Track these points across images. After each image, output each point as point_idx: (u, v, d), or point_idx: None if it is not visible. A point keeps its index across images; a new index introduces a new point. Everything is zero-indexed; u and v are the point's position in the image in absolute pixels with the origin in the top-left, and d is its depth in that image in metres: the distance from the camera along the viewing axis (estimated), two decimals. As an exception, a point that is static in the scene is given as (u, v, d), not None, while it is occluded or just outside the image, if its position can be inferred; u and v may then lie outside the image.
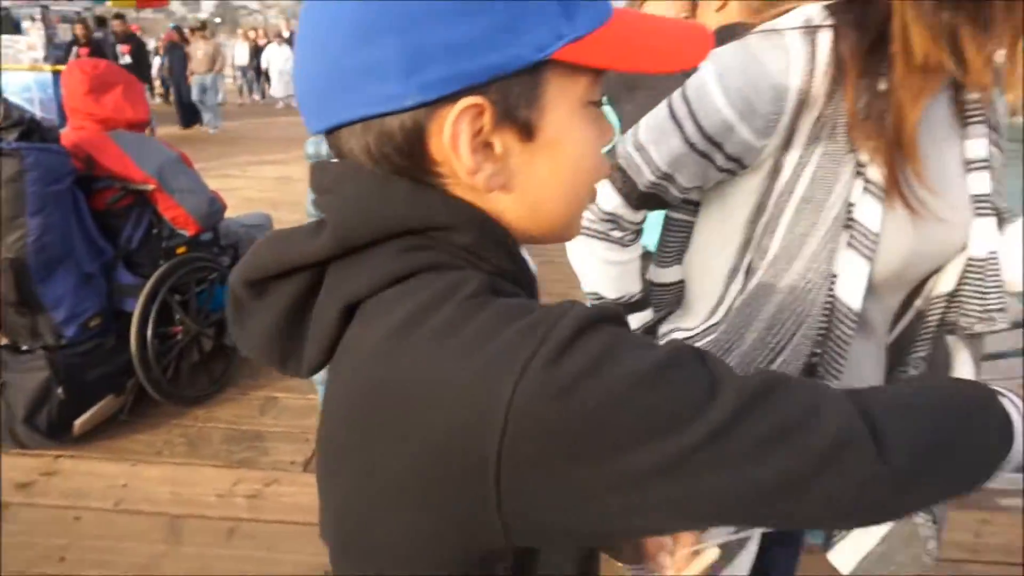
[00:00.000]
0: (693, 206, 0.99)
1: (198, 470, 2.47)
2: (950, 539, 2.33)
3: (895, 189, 0.79)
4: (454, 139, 0.45)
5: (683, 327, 1.01)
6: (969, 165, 0.87)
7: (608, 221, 0.96)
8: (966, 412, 0.55)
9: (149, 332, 2.65)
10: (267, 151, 8.63)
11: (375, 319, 0.47)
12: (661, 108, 0.87)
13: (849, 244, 0.81)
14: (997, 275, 0.88)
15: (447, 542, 0.45)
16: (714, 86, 0.80)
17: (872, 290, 0.85)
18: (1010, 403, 0.58)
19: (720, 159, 0.84)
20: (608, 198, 0.94)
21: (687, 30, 0.52)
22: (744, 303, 0.89)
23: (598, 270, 1.00)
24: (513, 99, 0.46)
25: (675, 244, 1.02)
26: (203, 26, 11.88)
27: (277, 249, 0.51)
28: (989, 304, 0.88)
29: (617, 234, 0.97)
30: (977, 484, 0.56)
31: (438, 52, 0.43)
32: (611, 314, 0.45)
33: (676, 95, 0.85)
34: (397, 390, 0.44)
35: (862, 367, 0.92)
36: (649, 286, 1.07)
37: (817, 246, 0.82)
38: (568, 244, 0.95)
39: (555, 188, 0.51)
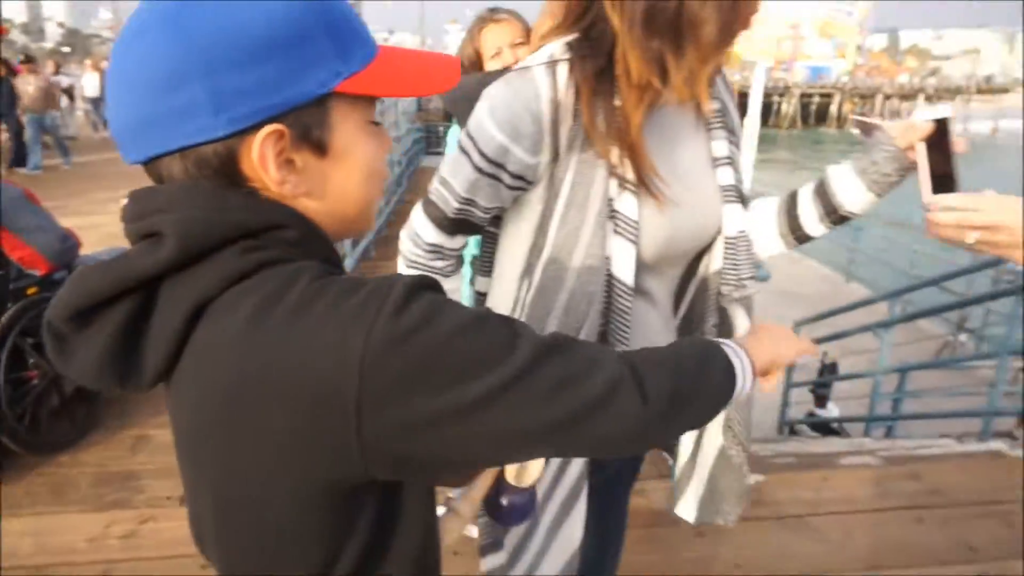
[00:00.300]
0: (500, 222, 1.14)
1: (65, 517, 2.37)
2: (794, 496, 2.59)
3: (641, 183, 0.97)
4: (262, 159, 0.55)
5: None
6: (715, 161, 1.08)
7: (432, 252, 1.10)
8: (701, 362, 0.72)
9: (0, 378, 2.52)
10: (127, 184, 8.18)
11: (224, 316, 0.54)
12: (456, 147, 1.03)
13: (615, 231, 0.98)
14: (748, 249, 1.09)
15: (318, 482, 0.54)
16: (487, 118, 0.97)
17: (646, 268, 1.03)
18: (732, 352, 0.76)
19: (507, 178, 1.00)
20: (427, 231, 1.09)
21: (439, 60, 0.66)
22: (534, 298, 1.04)
23: None
24: (306, 124, 0.57)
25: (489, 255, 1.19)
26: (29, 59, 10.30)
27: (110, 272, 0.55)
28: (741, 274, 1.08)
29: (440, 264, 1.13)
30: (714, 414, 0.74)
31: (240, 93, 0.53)
32: (431, 282, 0.56)
33: (463, 134, 1.01)
34: (263, 368, 0.52)
35: (651, 336, 1.07)
36: (475, 295, 1.23)
37: (590, 236, 0.98)
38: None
39: (348, 192, 0.62)
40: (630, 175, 0.96)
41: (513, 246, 1.09)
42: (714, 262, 1.11)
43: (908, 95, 58.79)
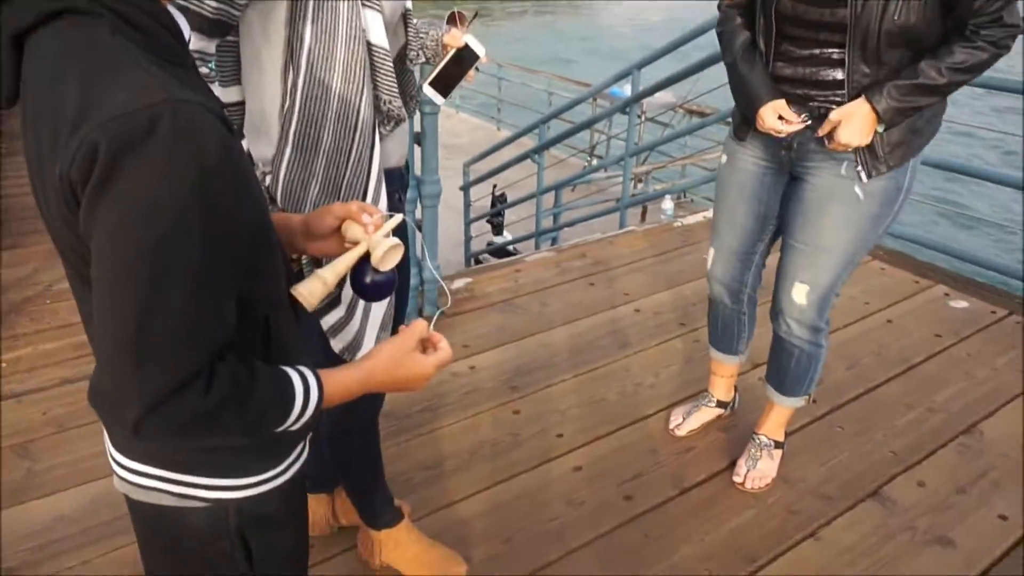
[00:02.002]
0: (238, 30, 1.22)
1: None
2: (498, 288, 3.09)
3: None
4: None
5: (262, 155, 1.26)
6: None
7: (198, 59, 1.15)
8: (274, 390, 0.74)
9: None
10: None
11: (35, 56, 0.65)
12: None
13: (364, 4, 1.18)
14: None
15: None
16: None
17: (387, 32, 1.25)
18: (300, 381, 0.77)
19: None
20: (192, 40, 1.12)
21: None
22: (307, 83, 1.18)
23: None
24: None
25: (230, 63, 1.26)
26: None
27: None
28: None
29: (205, 71, 1.18)
30: (269, 431, 0.76)
31: None
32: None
33: None
34: (57, 125, 0.63)
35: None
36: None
37: (347, 15, 1.16)
38: None
39: None
40: None
41: (267, 46, 1.18)
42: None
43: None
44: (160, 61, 0.65)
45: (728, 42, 1.76)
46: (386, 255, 0.88)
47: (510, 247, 6.32)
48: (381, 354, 0.84)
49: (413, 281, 2.72)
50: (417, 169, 2.61)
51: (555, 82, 9.99)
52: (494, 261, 6.30)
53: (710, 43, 3.36)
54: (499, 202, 6.63)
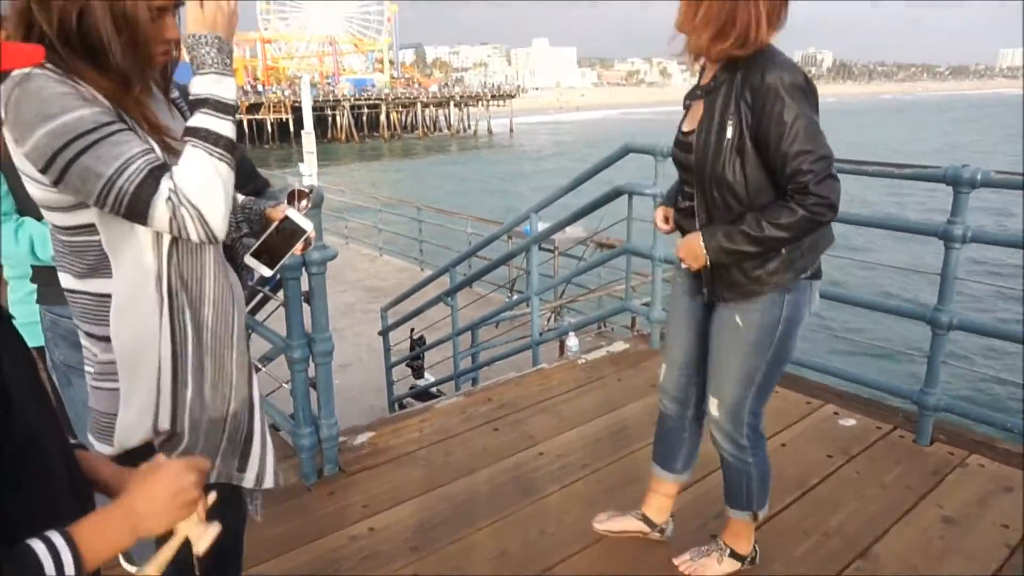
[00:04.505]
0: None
1: None
2: (403, 439, 3.03)
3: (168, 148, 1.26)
4: None
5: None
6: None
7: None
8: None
9: None
10: None
11: None
12: None
13: None
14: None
15: None
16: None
17: None
18: (44, 548, 0.70)
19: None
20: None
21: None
22: (190, 286, 1.27)
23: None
24: None
25: (93, 257, 1.28)
26: None
27: None
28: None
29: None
30: None
31: None
32: None
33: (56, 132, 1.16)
34: None
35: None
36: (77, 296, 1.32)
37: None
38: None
39: None
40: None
41: (131, 240, 1.23)
42: None
43: (442, 103, 66.68)
44: None
45: None
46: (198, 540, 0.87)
47: (433, 389, 6.29)
48: (130, 481, 0.82)
49: (309, 440, 2.67)
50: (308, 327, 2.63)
51: (472, 222, 10.36)
52: (417, 405, 6.27)
53: (607, 180, 3.61)
54: (418, 345, 6.65)
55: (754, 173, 1.70)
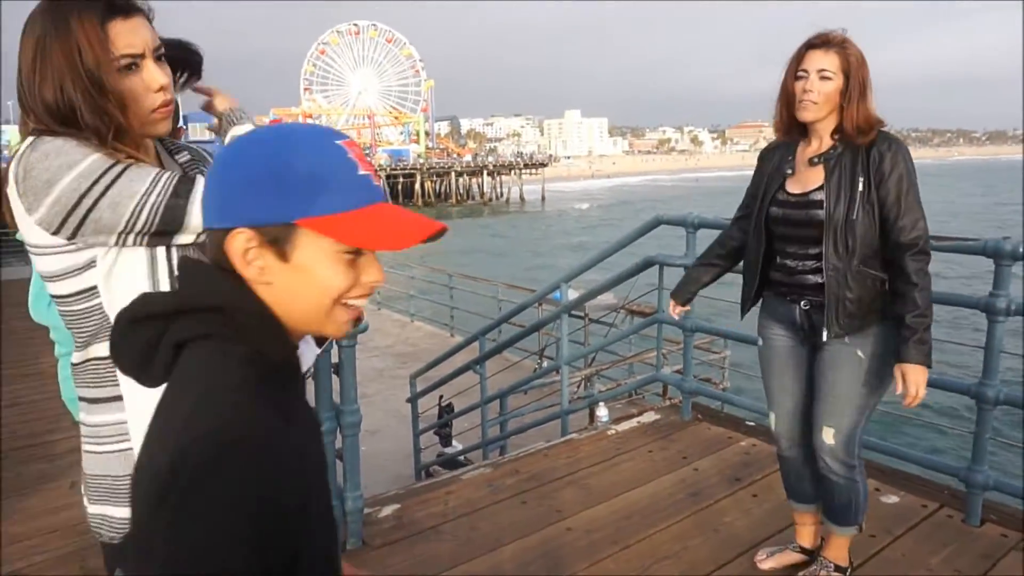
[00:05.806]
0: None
1: None
2: (427, 512, 2.98)
3: None
4: (234, 249, 0.75)
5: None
6: None
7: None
8: None
9: None
10: None
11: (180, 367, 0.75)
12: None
13: None
14: None
15: None
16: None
17: None
18: None
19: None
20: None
21: (414, 224, 0.78)
22: None
23: None
24: (272, 235, 0.75)
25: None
26: None
27: (148, 301, 0.78)
28: None
29: None
30: None
31: (233, 204, 0.75)
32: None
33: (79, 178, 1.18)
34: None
35: None
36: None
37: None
38: None
39: (298, 294, 0.78)
40: None
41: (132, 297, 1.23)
42: None
43: (475, 171, 68.21)
44: (272, 393, 0.72)
45: (709, 246, 2.53)
46: None
47: (460, 457, 6.20)
48: None
49: (335, 513, 2.62)
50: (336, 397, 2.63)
51: (503, 288, 10.42)
52: (445, 474, 6.18)
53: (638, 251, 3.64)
54: (446, 412, 6.61)
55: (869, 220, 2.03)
